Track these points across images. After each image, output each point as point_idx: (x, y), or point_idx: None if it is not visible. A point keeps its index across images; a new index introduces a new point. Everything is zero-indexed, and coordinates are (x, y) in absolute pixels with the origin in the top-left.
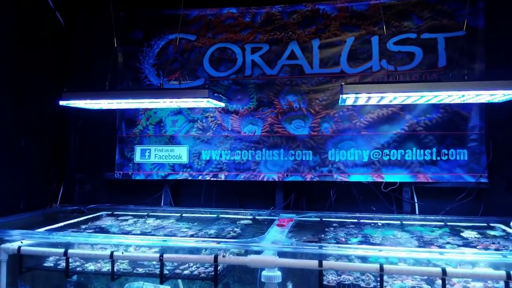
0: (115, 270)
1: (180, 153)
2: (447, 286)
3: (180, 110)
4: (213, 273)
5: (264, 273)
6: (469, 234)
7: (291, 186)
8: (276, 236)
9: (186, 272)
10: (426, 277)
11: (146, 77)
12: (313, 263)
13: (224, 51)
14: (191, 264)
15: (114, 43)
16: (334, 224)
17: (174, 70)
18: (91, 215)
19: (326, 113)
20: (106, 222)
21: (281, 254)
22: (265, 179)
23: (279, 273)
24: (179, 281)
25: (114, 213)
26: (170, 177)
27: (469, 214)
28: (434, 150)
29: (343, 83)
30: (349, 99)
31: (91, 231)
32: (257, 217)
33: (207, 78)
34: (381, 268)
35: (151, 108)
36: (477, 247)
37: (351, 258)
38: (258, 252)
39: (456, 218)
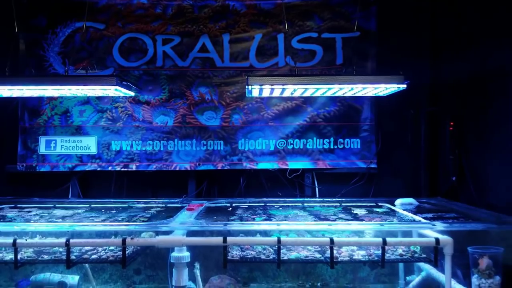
0: (18, 258)
1: (88, 144)
2: (336, 254)
3: (88, 100)
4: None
5: (173, 254)
6: (358, 211)
7: (203, 175)
8: (185, 219)
9: (94, 256)
10: (319, 248)
11: (51, 65)
12: (218, 240)
13: (135, 41)
14: (99, 249)
15: (15, 28)
16: (243, 208)
17: (82, 59)
18: None
19: (236, 105)
20: (9, 213)
21: (190, 234)
22: (177, 169)
23: (187, 253)
24: (89, 270)
25: (18, 205)
26: (78, 168)
27: (361, 196)
28: (332, 139)
29: (248, 75)
30: (254, 90)
31: None
32: (169, 205)
33: (116, 67)
34: (279, 241)
35: (57, 98)
36: (364, 220)
37: (256, 235)
38: (167, 233)
39: (350, 199)
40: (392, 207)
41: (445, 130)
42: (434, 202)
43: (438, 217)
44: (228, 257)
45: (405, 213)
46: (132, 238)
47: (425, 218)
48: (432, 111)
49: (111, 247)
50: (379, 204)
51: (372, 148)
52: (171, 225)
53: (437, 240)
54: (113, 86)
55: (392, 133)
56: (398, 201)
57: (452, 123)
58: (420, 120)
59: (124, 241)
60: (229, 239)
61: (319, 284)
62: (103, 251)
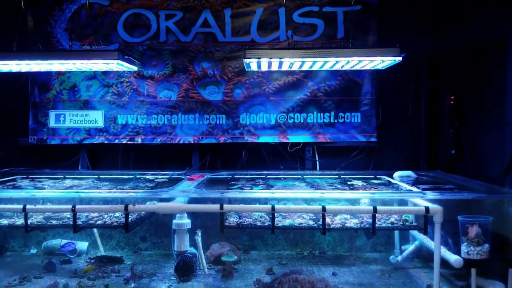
0: (29, 223)
1: (96, 118)
2: (329, 222)
3: (94, 75)
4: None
5: (174, 221)
6: (355, 182)
7: (207, 148)
8: (185, 188)
9: (99, 222)
10: (314, 217)
11: (59, 42)
12: (215, 207)
13: (138, 17)
14: (105, 216)
15: (22, 5)
16: (244, 179)
17: (88, 35)
18: (5, 178)
19: (238, 79)
20: (22, 183)
21: (190, 203)
22: (181, 142)
23: (188, 220)
24: (98, 237)
25: (30, 176)
26: (86, 141)
27: (361, 169)
28: (332, 113)
29: (246, 49)
30: (252, 63)
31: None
32: (173, 177)
33: (121, 43)
34: (273, 208)
35: (64, 73)
36: (358, 190)
37: (256, 204)
38: (168, 201)
39: (350, 172)
40: (390, 179)
41: (445, 103)
42: (433, 175)
43: (433, 188)
44: (226, 223)
45: (402, 184)
46: (134, 205)
47: (421, 189)
48: (432, 85)
49: (116, 214)
50: (378, 176)
51: (373, 122)
52: (172, 193)
53: (427, 208)
54: (115, 60)
55: (393, 107)
56: (397, 174)
57: (452, 97)
58: (421, 94)
59: (126, 207)
60: (225, 206)
61: (317, 252)
62: (108, 218)
